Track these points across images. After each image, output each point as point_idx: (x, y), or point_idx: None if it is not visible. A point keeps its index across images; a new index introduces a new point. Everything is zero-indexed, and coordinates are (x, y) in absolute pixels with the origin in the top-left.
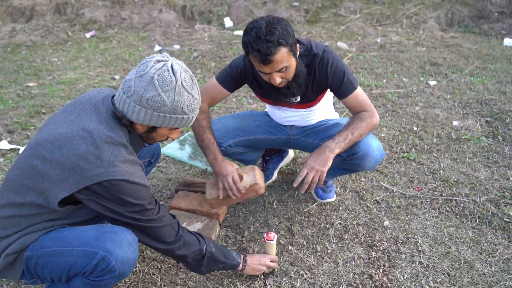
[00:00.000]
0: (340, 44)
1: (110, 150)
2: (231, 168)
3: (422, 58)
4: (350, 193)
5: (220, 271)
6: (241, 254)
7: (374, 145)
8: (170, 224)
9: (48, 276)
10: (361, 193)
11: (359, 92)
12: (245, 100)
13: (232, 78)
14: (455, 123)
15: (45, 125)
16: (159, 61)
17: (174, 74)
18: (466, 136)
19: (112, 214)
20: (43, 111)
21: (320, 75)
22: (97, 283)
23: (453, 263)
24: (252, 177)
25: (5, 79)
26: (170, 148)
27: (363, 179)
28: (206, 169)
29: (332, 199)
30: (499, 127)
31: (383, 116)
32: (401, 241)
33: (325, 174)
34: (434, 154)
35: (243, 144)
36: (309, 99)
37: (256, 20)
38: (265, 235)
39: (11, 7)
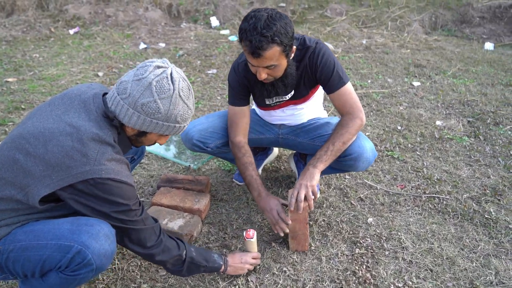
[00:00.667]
0: (326, 45)
1: (96, 148)
2: (275, 202)
3: (407, 59)
4: (334, 190)
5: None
6: (223, 256)
7: (367, 147)
8: (152, 227)
9: (20, 271)
10: (345, 191)
11: (348, 89)
12: None
13: (238, 93)
14: (438, 123)
15: (28, 117)
16: (159, 67)
17: (172, 83)
18: (448, 136)
19: (96, 214)
20: (23, 106)
21: (310, 67)
22: (73, 277)
23: (435, 259)
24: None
25: None
26: (153, 146)
27: (347, 176)
28: (189, 166)
29: (317, 194)
30: (480, 127)
31: (368, 116)
32: (384, 238)
33: (316, 188)
34: (418, 153)
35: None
36: (302, 94)
37: (259, 9)
38: (244, 233)
39: None
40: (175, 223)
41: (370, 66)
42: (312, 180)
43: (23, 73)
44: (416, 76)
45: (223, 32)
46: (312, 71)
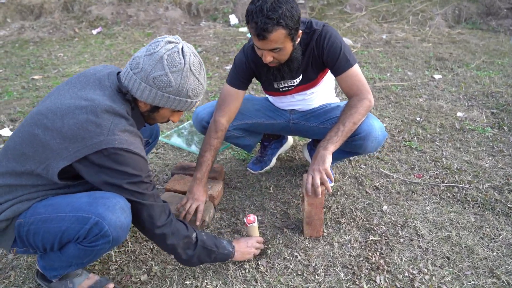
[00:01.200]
0: (345, 40)
1: (110, 119)
2: (203, 198)
3: (428, 53)
4: (349, 179)
5: None
6: (230, 241)
7: (376, 126)
8: (162, 205)
9: (40, 243)
10: (360, 179)
11: (355, 70)
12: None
13: (240, 75)
14: (459, 114)
15: (48, 96)
16: (170, 42)
17: (183, 57)
18: (470, 126)
19: (109, 187)
20: None
21: (317, 50)
22: (91, 249)
23: (453, 247)
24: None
25: (12, 73)
26: (169, 136)
27: (362, 166)
28: None
29: (331, 184)
30: (505, 118)
31: (386, 107)
32: (399, 226)
33: (329, 170)
34: (437, 143)
35: (241, 128)
36: (310, 78)
37: None
38: (244, 219)
39: (20, 5)
40: None
41: (389, 60)
42: (324, 163)
43: (48, 71)
44: (437, 69)
45: (241, 29)
46: (319, 54)
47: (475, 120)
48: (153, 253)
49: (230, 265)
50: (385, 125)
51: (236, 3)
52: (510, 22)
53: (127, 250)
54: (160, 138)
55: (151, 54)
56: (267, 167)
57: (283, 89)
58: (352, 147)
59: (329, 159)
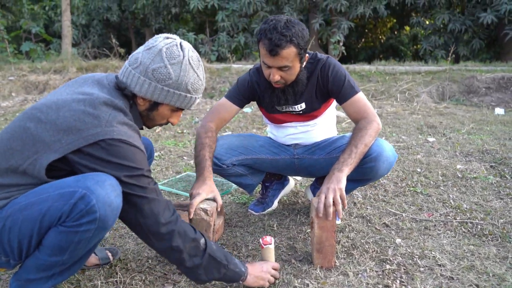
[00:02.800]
0: (338, 112)
1: (108, 111)
2: (204, 194)
3: (419, 122)
4: (356, 218)
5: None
6: (244, 263)
7: (386, 146)
8: (166, 201)
9: (16, 240)
10: (368, 218)
11: (360, 97)
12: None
13: (240, 92)
14: (459, 166)
15: (44, 97)
16: (168, 38)
17: (182, 50)
18: (472, 175)
19: None
20: None
21: (322, 78)
22: (74, 230)
23: (480, 276)
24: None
25: None
26: (166, 184)
27: (368, 207)
28: None
29: (338, 221)
30: (505, 169)
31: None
32: (417, 256)
33: (344, 192)
34: (442, 188)
35: (245, 164)
36: (314, 108)
37: (277, 15)
38: (260, 240)
39: (27, 82)
40: None
41: (383, 128)
42: (339, 183)
43: None
44: (430, 134)
45: None
46: (324, 83)
47: (475, 171)
48: (146, 283)
49: None
50: (386, 175)
51: (232, 83)
52: (490, 99)
53: (116, 281)
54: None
55: (150, 48)
56: (269, 209)
57: (285, 112)
58: (363, 171)
59: (344, 180)
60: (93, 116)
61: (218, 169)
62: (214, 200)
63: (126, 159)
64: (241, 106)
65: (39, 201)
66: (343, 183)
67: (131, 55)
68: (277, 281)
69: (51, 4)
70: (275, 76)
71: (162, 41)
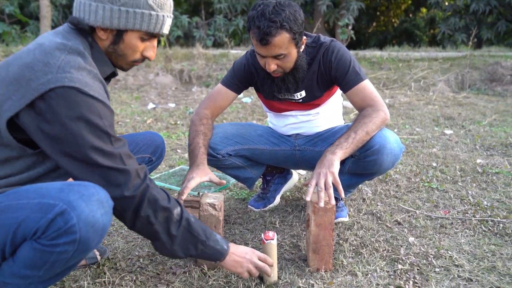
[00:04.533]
0: (346, 103)
1: (61, 57)
2: (198, 178)
3: (435, 113)
4: (366, 215)
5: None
6: (227, 242)
7: (390, 137)
8: (136, 170)
9: None
10: (378, 215)
11: (367, 84)
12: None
13: (237, 77)
14: (479, 160)
15: None
16: None
17: None
18: (494, 170)
19: (65, 147)
20: None
21: (324, 64)
22: (49, 251)
23: (501, 278)
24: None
25: None
26: (159, 179)
27: (379, 203)
28: (198, 193)
29: (345, 218)
30: None
31: None
32: (432, 256)
33: (337, 176)
34: (460, 184)
35: (243, 155)
36: (315, 95)
37: None
38: (262, 235)
39: None
40: None
41: (395, 119)
42: (332, 166)
43: None
44: (447, 126)
45: None
46: (326, 68)
47: (497, 166)
48: (137, 284)
49: None
50: (398, 169)
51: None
52: None
53: (104, 281)
54: None
55: None
56: (271, 205)
57: (285, 99)
58: (366, 165)
59: (337, 164)
60: (43, 63)
61: (213, 160)
62: (211, 182)
63: (82, 111)
64: (238, 92)
65: (16, 207)
66: (335, 167)
67: None
68: (280, 281)
69: None
70: (271, 66)
71: None
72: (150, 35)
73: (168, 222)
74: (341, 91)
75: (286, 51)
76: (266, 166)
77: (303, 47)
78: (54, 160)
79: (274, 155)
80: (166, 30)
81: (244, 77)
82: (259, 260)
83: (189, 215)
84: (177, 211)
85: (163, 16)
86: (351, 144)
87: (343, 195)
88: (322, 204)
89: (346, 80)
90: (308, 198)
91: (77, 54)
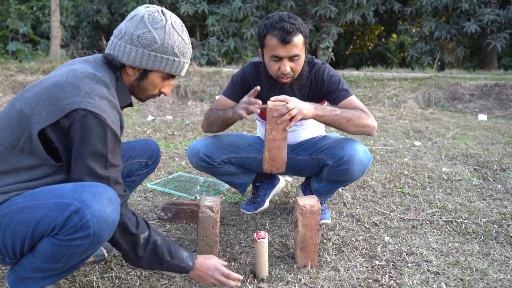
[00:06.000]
0: None
1: (90, 84)
2: (246, 97)
3: (406, 127)
4: (346, 217)
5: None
6: (194, 256)
7: (359, 149)
8: (120, 195)
9: (9, 241)
10: (357, 217)
11: (354, 99)
12: None
13: (235, 88)
14: (444, 169)
15: None
16: (148, 6)
17: (164, 15)
18: (457, 178)
19: (72, 158)
20: None
21: (316, 81)
22: (67, 244)
23: (464, 271)
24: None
25: None
26: (158, 184)
27: (358, 207)
28: (195, 198)
29: (328, 220)
30: (488, 172)
31: (373, 165)
32: (405, 253)
33: (300, 117)
34: (428, 189)
35: (235, 162)
36: None
37: (274, 13)
38: (254, 234)
39: (14, 82)
40: None
41: None
42: (305, 109)
43: None
44: (416, 139)
45: None
46: (318, 85)
47: (460, 174)
48: (141, 279)
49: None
50: (374, 176)
51: (222, 86)
52: (473, 106)
53: (111, 276)
54: (148, 185)
55: (132, 17)
56: (261, 208)
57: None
58: (339, 173)
59: (310, 112)
60: (74, 87)
61: (210, 167)
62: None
63: (92, 135)
64: (237, 101)
65: (34, 207)
66: (307, 110)
67: (114, 30)
68: (271, 275)
69: (38, 4)
70: (286, 67)
71: (143, 9)
72: (170, 76)
73: (135, 245)
74: None
75: (300, 52)
76: (256, 173)
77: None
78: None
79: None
80: (183, 73)
81: (241, 86)
82: (223, 276)
83: (157, 238)
84: (144, 235)
85: (184, 62)
86: (330, 115)
87: (294, 119)
88: (278, 122)
89: (336, 94)
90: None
91: (103, 85)
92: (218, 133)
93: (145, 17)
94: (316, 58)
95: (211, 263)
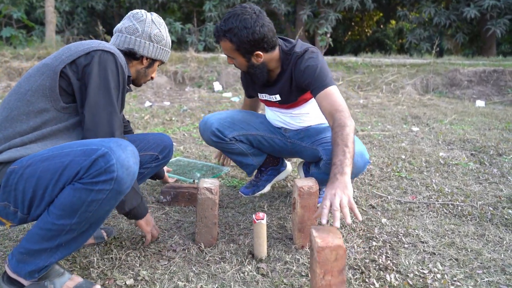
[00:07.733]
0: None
1: (104, 42)
2: None
3: (404, 113)
4: None
5: None
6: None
7: (356, 151)
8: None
9: (30, 190)
10: (355, 200)
11: (333, 91)
12: None
13: (244, 85)
14: (441, 154)
15: None
16: (146, 12)
17: (159, 18)
18: (454, 162)
19: (87, 89)
20: None
21: (296, 73)
22: (89, 188)
23: (459, 251)
24: None
25: None
26: None
27: (355, 190)
28: (194, 181)
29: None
30: (484, 157)
31: (371, 150)
32: (402, 234)
33: (352, 199)
34: (425, 173)
35: (246, 141)
36: (290, 100)
37: (241, 5)
38: (253, 216)
39: (9, 68)
40: None
41: (369, 117)
42: (346, 188)
43: None
44: (414, 124)
45: (225, 94)
46: (298, 76)
47: (457, 158)
48: (141, 259)
49: (227, 267)
50: (372, 161)
51: (220, 72)
52: (471, 92)
53: (111, 257)
54: None
55: (142, 20)
56: (260, 192)
57: (264, 100)
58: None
59: (350, 185)
60: (90, 42)
61: (220, 143)
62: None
63: (105, 67)
64: (249, 96)
65: (61, 155)
66: (349, 189)
67: (120, 29)
68: (270, 255)
69: None
70: (228, 60)
71: (146, 14)
72: (161, 63)
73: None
74: None
75: (232, 55)
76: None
77: (260, 60)
78: (80, 101)
79: (272, 143)
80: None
81: (245, 82)
82: (150, 229)
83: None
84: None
85: (169, 52)
86: (349, 159)
87: (360, 217)
88: (338, 224)
89: (314, 85)
90: (324, 221)
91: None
92: (227, 110)
93: (154, 20)
94: (314, 44)
95: (151, 218)
